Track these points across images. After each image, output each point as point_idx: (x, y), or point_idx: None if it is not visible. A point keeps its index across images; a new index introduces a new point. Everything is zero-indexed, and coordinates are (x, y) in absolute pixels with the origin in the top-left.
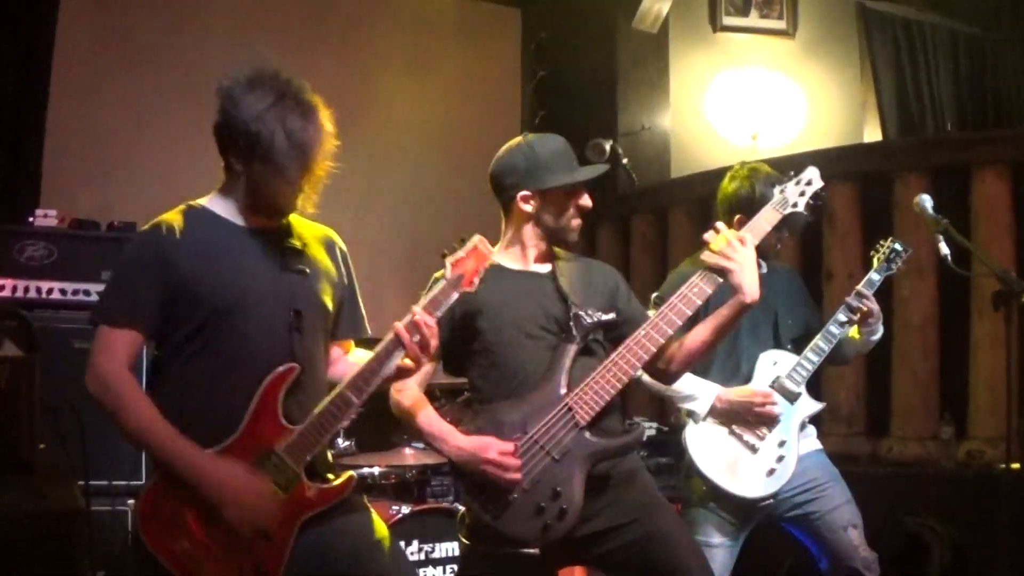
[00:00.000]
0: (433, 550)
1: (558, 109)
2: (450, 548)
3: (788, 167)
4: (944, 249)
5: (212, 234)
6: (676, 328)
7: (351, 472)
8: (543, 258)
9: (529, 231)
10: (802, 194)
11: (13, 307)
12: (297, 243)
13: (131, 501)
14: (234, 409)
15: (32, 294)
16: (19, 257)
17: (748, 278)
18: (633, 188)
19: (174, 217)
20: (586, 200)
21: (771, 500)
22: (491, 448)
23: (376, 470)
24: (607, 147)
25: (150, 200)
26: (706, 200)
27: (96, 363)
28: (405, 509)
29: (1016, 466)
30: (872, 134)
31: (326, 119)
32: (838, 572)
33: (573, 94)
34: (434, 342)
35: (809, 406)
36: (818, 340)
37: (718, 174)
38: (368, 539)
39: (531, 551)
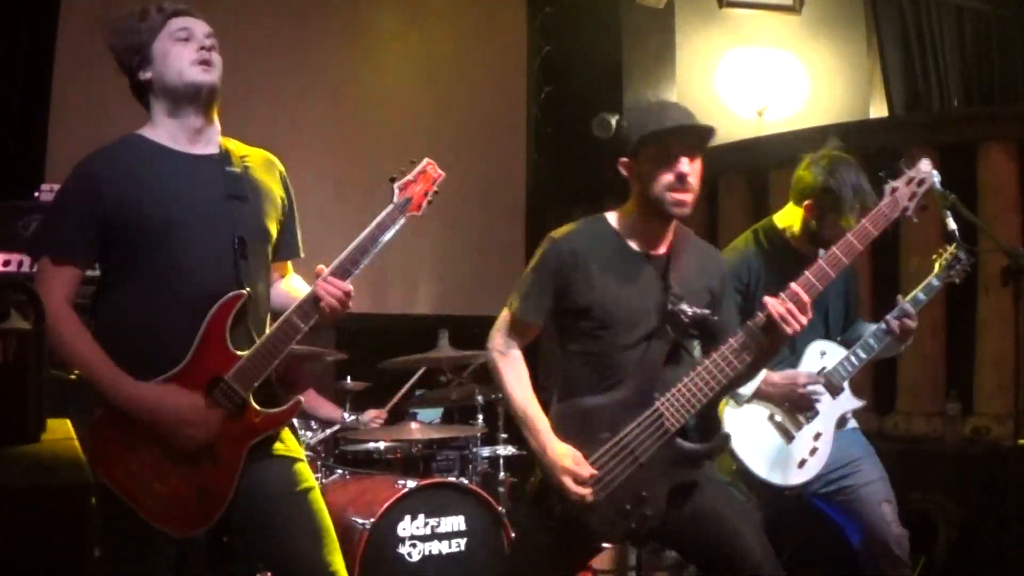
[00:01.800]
0: (439, 524)
1: (564, 84)
2: (456, 522)
3: (795, 142)
4: (951, 225)
5: (146, 159)
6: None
7: (299, 397)
8: (658, 237)
9: (636, 204)
10: (913, 195)
11: (20, 280)
12: (237, 168)
13: None
14: (180, 336)
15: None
16: (24, 232)
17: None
18: None
19: (108, 146)
20: (684, 165)
21: (798, 491)
22: (571, 467)
23: (382, 444)
24: (613, 122)
25: None
26: (712, 176)
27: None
28: (411, 483)
29: (1023, 443)
30: (878, 110)
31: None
32: (870, 547)
33: (578, 69)
34: (349, 303)
35: (849, 402)
36: (868, 339)
37: (725, 150)
38: (292, 487)
39: (607, 545)
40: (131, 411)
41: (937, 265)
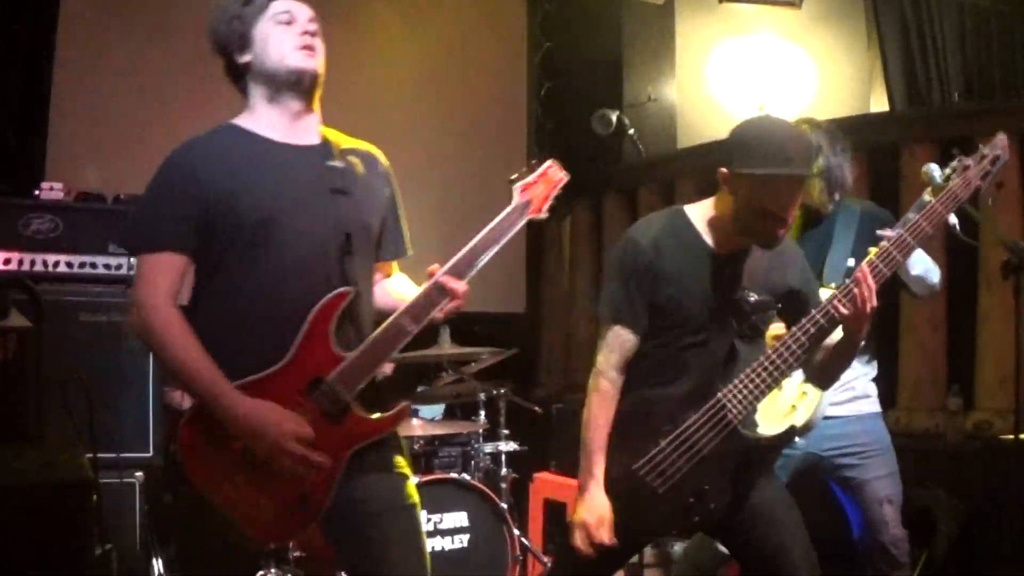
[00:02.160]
0: (441, 520)
1: (564, 80)
2: (458, 518)
3: None
4: (952, 219)
5: (244, 150)
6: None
7: (405, 403)
8: (739, 244)
9: (725, 211)
10: (987, 174)
11: (20, 278)
12: (340, 162)
13: (139, 474)
14: (282, 334)
15: (38, 267)
16: (25, 230)
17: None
18: (640, 159)
19: (204, 136)
20: (783, 211)
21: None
22: (602, 526)
23: None
24: (613, 118)
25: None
26: (713, 170)
27: (138, 295)
28: (413, 480)
29: None
30: (879, 104)
31: None
32: (866, 543)
33: (579, 65)
34: (462, 305)
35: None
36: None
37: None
38: (398, 502)
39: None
40: (230, 425)
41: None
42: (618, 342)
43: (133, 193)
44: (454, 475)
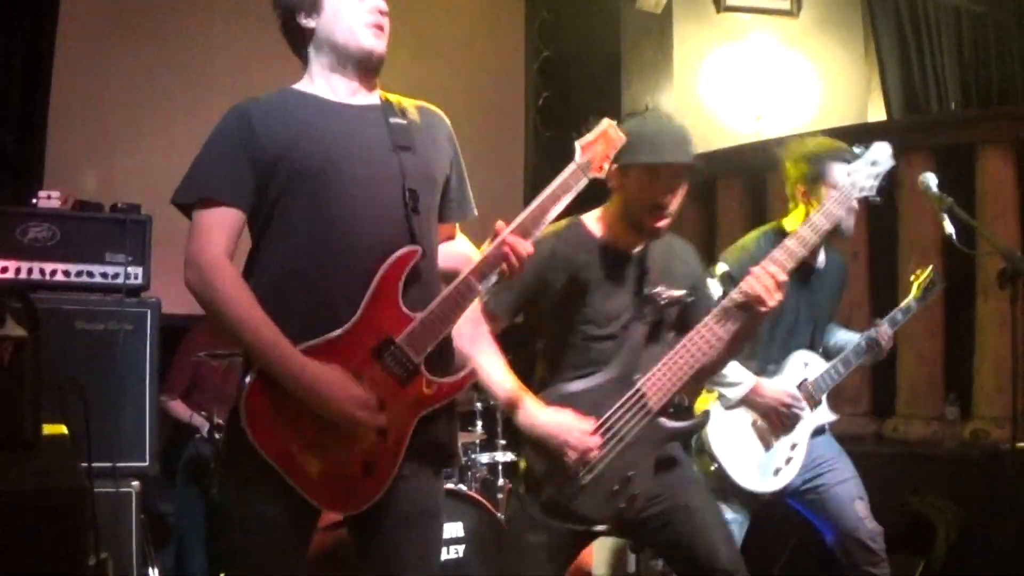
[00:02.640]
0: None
1: (562, 89)
2: (454, 529)
3: None
4: (949, 228)
5: (305, 107)
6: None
7: (472, 367)
8: (635, 241)
9: (617, 211)
10: (876, 176)
11: (16, 287)
12: (402, 120)
13: (135, 483)
14: (348, 293)
15: (36, 275)
16: (22, 238)
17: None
18: None
19: (262, 96)
20: (667, 196)
21: (770, 498)
22: (573, 430)
23: None
24: None
25: (154, 181)
26: (710, 180)
27: (192, 252)
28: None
29: (1021, 445)
30: (877, 113)
31: None
32: (844, 544)
33: (577, 74)
34: (523, 262)
35: (824, 415)
36: (848, 355)
37: (723, 154)
38: (430, 508)
39: (601, 528)
40: (294, 389)
41: (915, 287)
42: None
43: (131, 202)
44: (450, 485)
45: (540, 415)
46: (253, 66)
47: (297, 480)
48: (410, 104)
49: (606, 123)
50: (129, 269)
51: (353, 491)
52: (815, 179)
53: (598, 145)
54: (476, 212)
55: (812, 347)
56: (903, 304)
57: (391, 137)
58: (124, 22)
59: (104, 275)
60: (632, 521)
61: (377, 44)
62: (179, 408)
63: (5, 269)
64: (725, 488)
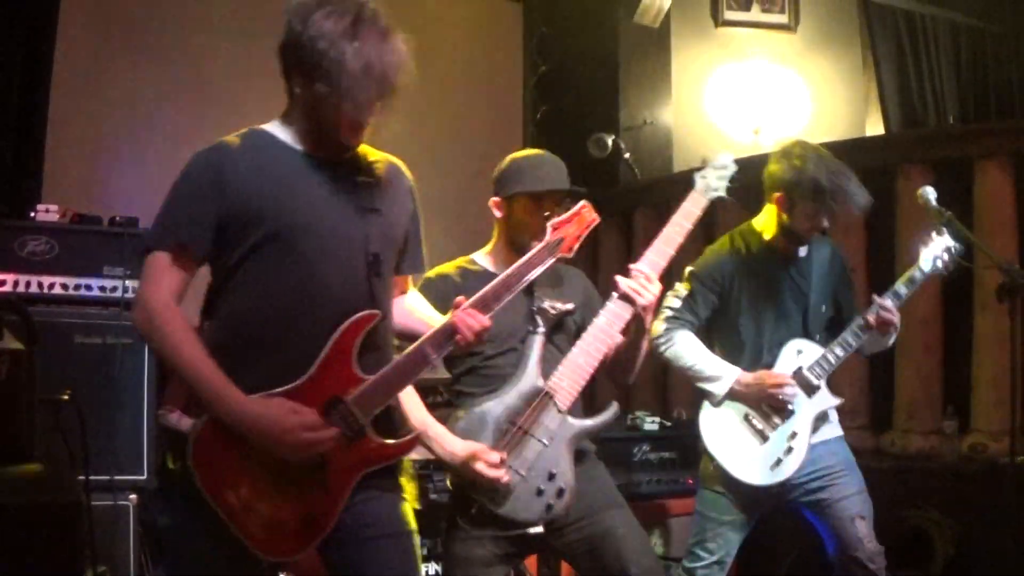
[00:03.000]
0: (436, 546)
1: (560, 104)
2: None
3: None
4: (949, 242)
5: (274, 156)
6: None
7: (418, 431)
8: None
9: (504, 238)
10: (721, 178)
11: (13, 300)
12: (369, 177)
13: (133, 496)
14: (303, 350)
15: (33, 289)
16: (20, 252)
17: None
18: (635, 182)
19: (232, 138)
20: (543, 218)
21: (776, 489)
22: (480, 456)
23: None
24: (609, 141)
25: (152, 195)
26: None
27: (142, 294)
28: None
29: (1020, 459)
30: (874, 127)
31: (403, 43)
32: (843, 561)
33: (575, 89)
34: (484, 337)
35: (826, 400)
36: (846, 335)
37: None
38: (397, 528)
39: (537, 530)
40: (236, 423)
41: (922, 256)
42: None
43: (129, 215)
44: (448, 500)
45: (454, 445)
46: (252, 80)
47: (236, 523)
48: (376, 157)
49: (581, 204)
50: (127, 282)
51: (289, 539)
52: (799, 190)
53: (571, 226)
54: (427, 269)
55: (807, 335)
56: (906, 275)
57: (360, 198)
58: (123, 35)
59: (102, 288)
60: (559, 527)
61: (351, 141)
62: (179, 420)
63: (3, 283)
64: (728, 488)
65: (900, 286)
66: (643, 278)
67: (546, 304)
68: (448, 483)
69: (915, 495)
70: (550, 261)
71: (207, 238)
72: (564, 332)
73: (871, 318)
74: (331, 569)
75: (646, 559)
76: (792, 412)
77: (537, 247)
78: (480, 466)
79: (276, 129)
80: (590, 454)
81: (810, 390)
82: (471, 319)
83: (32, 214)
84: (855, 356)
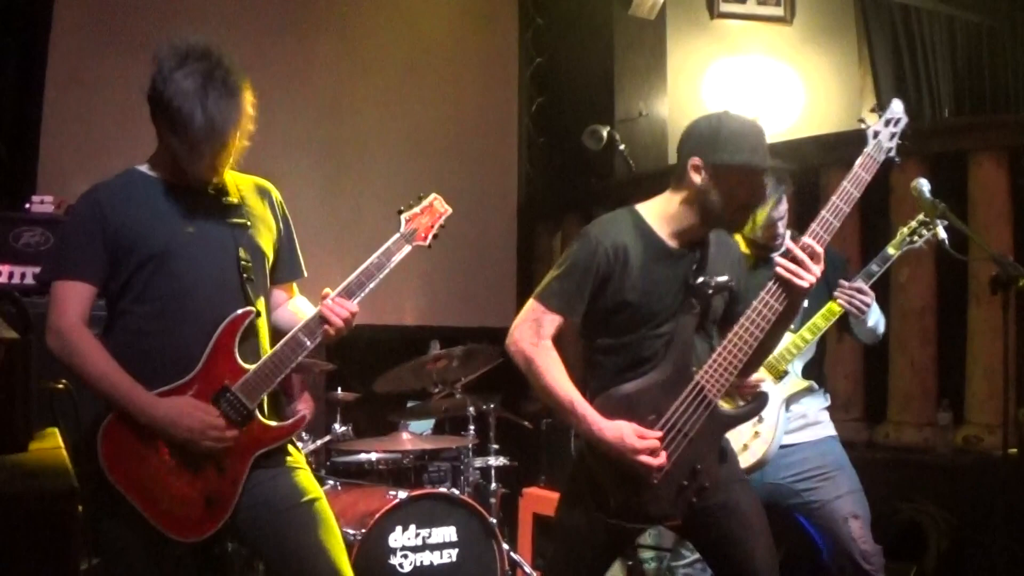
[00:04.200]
0: (430, 535)
1: (556, 96)
2: (447, 533)
3: (787, 152)
4: (941, 234)
5: (145, 190)
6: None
7: (303, 412)
8: (697, 237)
9: (689, 206)
10: (893, 136)
11: (8, 291)
12: (234, 198)
13: None
14: (191, 351)
15: (28, 280)
16: (15, 243)
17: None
18: (631, 174)
19: (111, 179)
20: (759, 200)
21: (766, 489)
22: (636, 436)
23: (373, 455)
24: (604, 133)
25: None
26: None
27: (51, 320)
28: (402, 494)
29: (1013, 452)
30: (870, 121)
31: (248, 101)
32: (837, 562)
33: (570, 80)
34: (352, 323)
35: (792, 385)
36: (816, 319)
37: None
38: (298, 499)
39: (675, 523)
40: (148, 423)
41: (899, 234)
42: (553, 327)
43: None
44: (443, 490)
45: (604, 426)
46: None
47: (146, 509)
48: (239, 180)
49: (432, 196)
50: None
51: (196, 521)
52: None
53: (423, 217)
54: (306, 273)
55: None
56: (880, 254)
57: (224, 214)
58: (116, 32)
59: None
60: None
61: (211, 177)
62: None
63: None
64: None
65: (873, 265)
66: (807, 256)
67: (706, 279)
68: (574, 474)
69: (909, 487)
70: (407, 249)
71: (99, 264)
72: (714, 311)
73: (842, 301)
74: (256, 550)
75: (765, 541)
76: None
77: (392, 239)
78: (636, 444)
79: (147, 168)
80: (730, 455)
81: (777, 375)
82: (337, 307)
83: (27, 206)
84: (850, 349)
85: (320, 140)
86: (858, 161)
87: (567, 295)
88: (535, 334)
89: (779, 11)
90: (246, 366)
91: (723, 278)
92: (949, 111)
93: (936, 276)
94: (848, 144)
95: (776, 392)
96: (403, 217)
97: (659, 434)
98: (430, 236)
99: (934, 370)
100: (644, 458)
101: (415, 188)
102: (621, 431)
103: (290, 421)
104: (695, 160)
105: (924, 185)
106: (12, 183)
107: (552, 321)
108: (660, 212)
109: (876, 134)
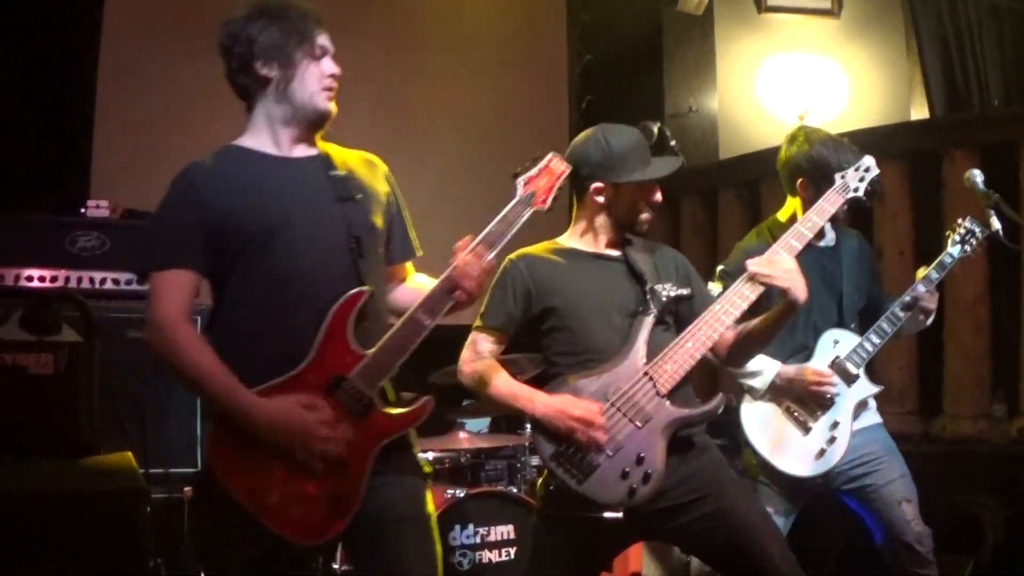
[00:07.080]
0: (488, 533)
1: (605, 92)
2: (505, 531)
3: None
4: (995, 224)
5: (244, 165)
6: (732, 318)
7: (428, 397)
8: (614, 244)
9: (601, 220)
10: (861, 180)
11: (71, 294)
12: (342, 170)
13: (187, 488)
14: (301, 338)
15: (85, 284)
16: (72, 248)
17: (796, 283)
18: (681, 170)
19: (205, 158)
20: (658, 196)
21: (819, 479)
22: (577, 405)
23: (430, 455)
24: (655, 129)
25: None
26: (755, 181)
27: (149, 314)
28: (460, 493)
29: None
30: (919, 112)
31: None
32: (891, 545)
33: (619, 77)
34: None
35: (865, 388)
36: (882, 323)
37: (767, 155)
38: (417, 511)
39: (615, 515)
40: (254, 428)
41: (949, 240)
42: (488, 343)
43: None
44: (500, 488)
45: (545, 397)
46: None
47: (265, 516)
48: (349, 155)
49: (549, 156)
50: None
51: (317, 522)
52: (818, 171)
53: (541, 179)
54: (420, 252)
55: (842, 324)
56: (937, 260)
57: (333, 189)
58: (168, 34)
59: None
60: (653, 514)
61: (330, 107)
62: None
63: (55, 279)
64: (772, 479)
65: (932, 272)
66: (770, 262)
67: (661, 287)
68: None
69: (964, 480)
70: (527, 214)
71: (198, 251)
72: (672, 315)
73: (908, 302)
74: (350, 550)
75: (771, 535)
76: (833, 401)
77: (511, 203)
78: (576, 412)
79: (245, 141)
80: (702, 442)
81: (849, 379)
82: (467, 270)
83: (83, 210)
84: (904, 341)
85: (371, 135)
86: (823, 195)
87: (491, 310)
88: (473, 354)
89: (826, 4)
90: (363, 351)
91: (683, 291)
92: (998, 101)
93: (989, 266)
94: (897, 136)
95: (849, 396)
96: (519, 181)
97: (598, 407)
98: (550, 198)
99: (988, 361)
100: (582, 427)
101: (467, 188)
102: (564, 400)
103: (414, 407)
104: (596, 185)
105: (978, 176)
106: (65, 187)
107: (486, 339)
108: (574, 233)
109: (843, 176)
